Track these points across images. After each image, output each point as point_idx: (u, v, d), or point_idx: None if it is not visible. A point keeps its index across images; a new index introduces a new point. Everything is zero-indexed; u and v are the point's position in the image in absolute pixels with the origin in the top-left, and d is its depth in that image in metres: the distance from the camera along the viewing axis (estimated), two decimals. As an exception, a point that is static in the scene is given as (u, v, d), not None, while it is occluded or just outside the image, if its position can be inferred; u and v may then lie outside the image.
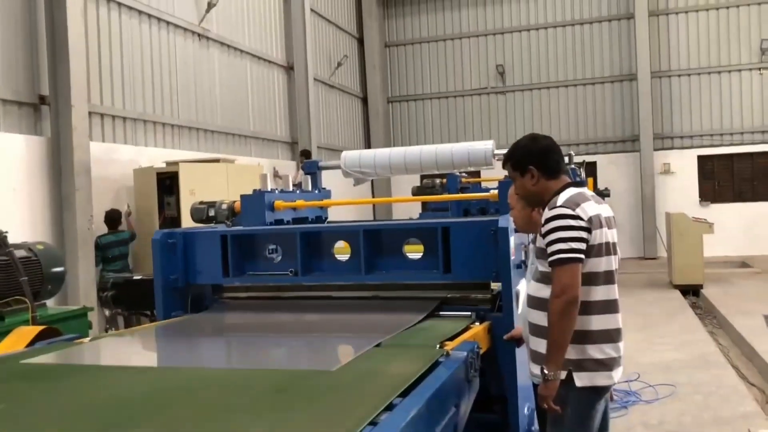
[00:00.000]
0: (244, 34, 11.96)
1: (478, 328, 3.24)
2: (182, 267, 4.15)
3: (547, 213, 2.76)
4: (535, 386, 3.35)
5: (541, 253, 2.81)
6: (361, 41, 17.66)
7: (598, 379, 2.70)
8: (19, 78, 7.35)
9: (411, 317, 3.37)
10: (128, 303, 5.68)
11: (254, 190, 5.10)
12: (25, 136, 7.32)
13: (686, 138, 16.45)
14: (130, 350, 3.32)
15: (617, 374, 2.76)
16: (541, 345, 2.76)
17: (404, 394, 2.00)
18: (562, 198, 2.77)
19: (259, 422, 1.88)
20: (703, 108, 16.35)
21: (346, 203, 5.81)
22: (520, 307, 3.49)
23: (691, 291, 11.11)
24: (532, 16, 17.30)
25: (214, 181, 8.32)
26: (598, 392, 2.74)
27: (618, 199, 14.68)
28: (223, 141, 11.15)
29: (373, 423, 1.75)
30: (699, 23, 16.30)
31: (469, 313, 3.57)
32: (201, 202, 5.22)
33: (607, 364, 2.71)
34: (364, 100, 17.82)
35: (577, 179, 9.17)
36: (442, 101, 18.03)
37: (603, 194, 12.50)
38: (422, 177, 13.02)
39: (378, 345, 2.79)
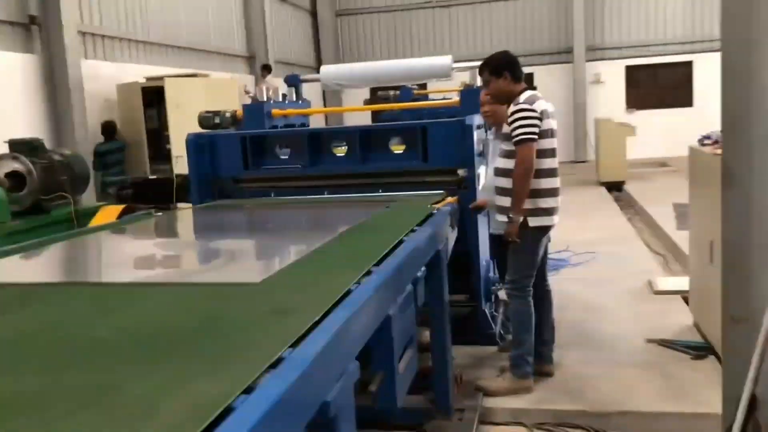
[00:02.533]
0: (202, -48, 12.39)
1: (452, 198, 4.41)
2: (210, 163, 5.15)
3: (513, 108, 3.85)
4: (494, 237, 4.60)
5: (507, 137, 3.94)
6: (308, -44, 18.02)
7: (545, 220, 3.94)
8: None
9: (404, 195, 4.50)
10: (147, 198, 6.59)
11: (252, 101, 6.07)
12: (21, 54, 7.94)
13: (615, 49, 17.76)
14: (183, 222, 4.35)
15: (556, 219, 4.00)
16: (506, 201, 3.94)
17: (413, 231, 3.14)
18: (522, 97, 3.88)
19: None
20: (632, 21, 17.60)
21: (327, 111, 6.86)
22: (482, 183, 4.68)
23: (615, 187, 12.63)
24: (474, -70, 17.94)
25: (194, 95, 9.10)
26: (543, 231, 3.99)
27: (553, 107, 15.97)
28: (189, 57, 11.78)
29: (400, 242, 2.86)
30: (629, -62, 17.32)
31: (442, 191, 4.72)
32: (207, 111, 6.15)
33: (550, 212, 3.94)
34: (314, 14, 18.34)
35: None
36: (389, 15, 18.71)
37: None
38: (373, 90, 13.88)
39: (387, 207, 3.93)
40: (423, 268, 2.93)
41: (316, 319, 1.76)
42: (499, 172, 4.04)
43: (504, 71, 3.97)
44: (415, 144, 4.81)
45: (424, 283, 2.99)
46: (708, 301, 4.20)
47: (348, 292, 2.05)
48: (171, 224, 4.02)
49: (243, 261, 3.01)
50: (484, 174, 4.80)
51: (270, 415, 1.28)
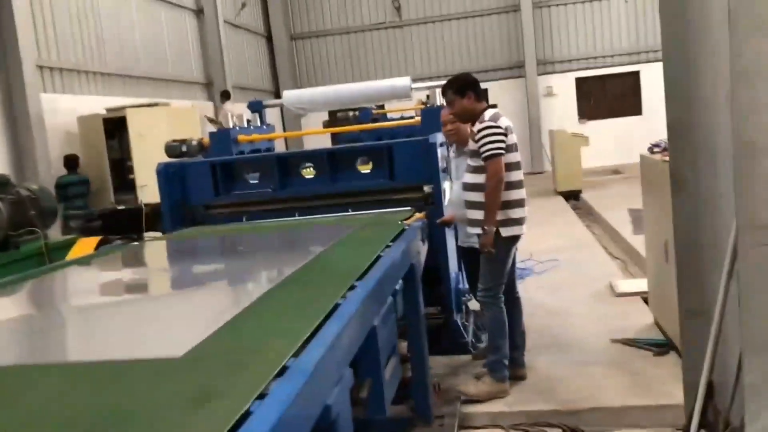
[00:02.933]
0: (156, -19, 12.46)
1: (420, 214, 4.59)
2: (181, 191, 5.24)
3: (479, 126, 4.08)
4: (464, 250, 4.79)
5: (474, 154, 4.15)
6: (261, -19, 18.20)
7: (515, 230, 4.15)
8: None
9: (373, 213, 4.67)
10: (115, 229, 6.62)
11: (218, 129, 6.18)
12: (-21, 92, 7.92)
13: (565, 62, 18.33)
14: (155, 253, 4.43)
15: (525, 228, 4.23)
16: (477, 214, 4.14)
17: (388, 246, 3.30)
18: (487, 115, 4.11)
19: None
20: (579, 34, 18.20)
21: (291, 135, 7.00)
22: (447, 198, 4.87)
23: (573, 196, 13.02)
24: (423, -48, 18.38)
25: (156, 124, 9.15)
26: (514, 240, 4.20)
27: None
28: (147, 86, 11.80)
29: (378, 257, 3.02)
30: (573, -45, 17.97)
31: (409, 207, 4.89)
32: (174, 140, 6.23)
33: (520, 221, 4.17)
34: (269, 39, 18.49)
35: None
36: (343, 37, 18.98)
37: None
38: (332, 111, 14.05)
39: (362, 228, 4.09)
40: (400, 282, 3.10)
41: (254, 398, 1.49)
42: (468, 187, 4.25)
43: (467, 91, 4.19)
44: (382, 163, 4.98)
45: (402, 296, 3.16)
46: (666, 300, 4.45)
47: (336, 306, 2.20)
48: (122, 261, 3.95)
49: (178, 317, 2.49)
50: (448, 189, 5.00)
51: (283, 418, 1.42)
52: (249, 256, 3.88)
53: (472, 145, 4.18)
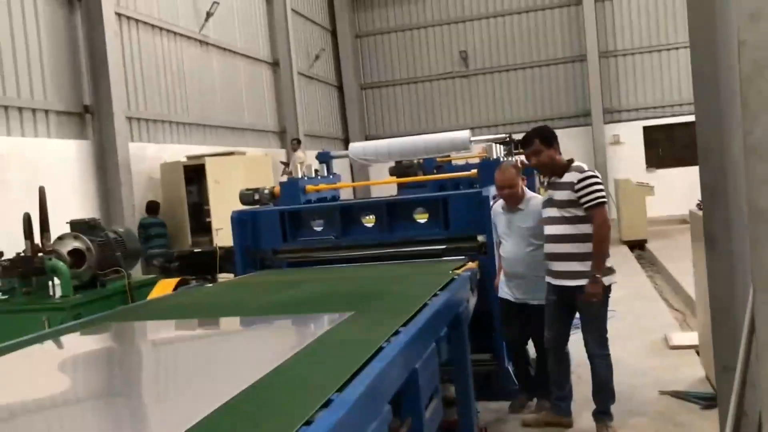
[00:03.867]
0: (235, 37, 13.33)
1: (472, 263, 4.84)
2: (252, 236, 5.67)
3: (581, 175, 4.20)
4: (516, 306, 4.82)
5: (566, 204, 4.23)
6: (334, 33, 19.06)
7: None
8: (66, 92, 8.69)
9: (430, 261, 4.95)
10: (192, 270, 7.13)
11: (288, 179, 6.63)
12: (75, 141, 8.70)
13: (632, 111, 18.30)
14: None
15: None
16: (573, 266, 4.23)
17: (435, 295, 3.57)
18: (583, 167, 4.29)
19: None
20: (646, 83, 18.19)
21: (355, 185, 7.40)
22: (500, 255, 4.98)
23: (638, 245, 12.93)
24: (491, 4, 18.88)
25: (232, 171, 9.77)
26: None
27: (574, 169, 16.46)
28: (224, 134, 12.56)
29: (424, 305, 3.29)
30: (640, 6, 18.08)
31: (463, 256, 5.15)
32: (247, 189, 6.72)
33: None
34: (340, 89, 19.26)
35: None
36: (411, 86, 19.57)
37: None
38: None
39: (414, 278, 4.38)
40: (445, 328, 3.36)
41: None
42: (559, 239, 4.31)
43: (554, 142, 4.37)
44: (437, 213, 5.28)
45: (447, 342, 3.41)
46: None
47: (380, 348, 2.49)
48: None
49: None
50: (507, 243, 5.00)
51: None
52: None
53: (561, 195, 4.26)
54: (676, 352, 5.82)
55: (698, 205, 5.07)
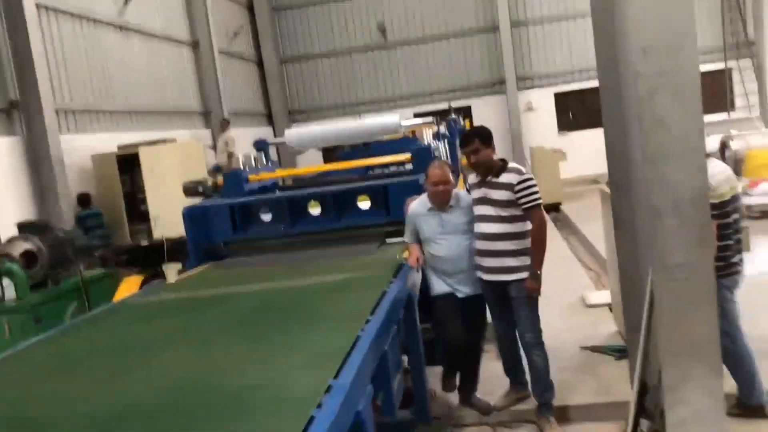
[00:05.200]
0: (155, 20, 13.22)
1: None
2: (204, 230, 5.98)
3: (519, 177, 4.33)
4: (457, 301, 4.69)
5: (505, 204, 4.34)
6: (251, 8, 18.97)
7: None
8: (-9, 88, 8.60)
9: (373, 244, 5.44)
10: (140, 263, 7.38)
11: (231, 171, 6.91)
12: (4, 138, 8.64)
13: (544, 78, 19.22)
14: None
15: None
16: (511, 261, 4.39)
17: (391, 281, 4.07)
18: (521, 168, 4.44)
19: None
20: (556, 50, 19.10)
21: (297, 172, 7.76)
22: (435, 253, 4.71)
23: (553, 208, 13.85)
24: (405, -24, 19.26)
25: (166, 159, 9.90)
26: None
27: (492, 136, 17.25)
28: (151, 119, 12.55)
29: (384, 293, 3.78)
30: (547, -24, 18.90)
31: (402, 239, 5.63)
32: (191, 181, 6.97)
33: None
34: (260, 64, 19.27)
35: (457, 126, 11.47)
36: (332, 59, 19.78)
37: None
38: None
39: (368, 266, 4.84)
40: (402, 311, 3.88)
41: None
42: (497, 237, 4.42)
43: (491, 141, 4.48)
44: (380, 201, 5.77)
45: (404, 323, 3.94)
46: (624, 312, 5.24)
47: (358, 338, 2.98)
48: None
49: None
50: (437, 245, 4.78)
51: (334, 422, 2.19)
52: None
53: (500, 195, 4.37)
54: (593, 310, 6.60)
55: (607, 183, 5.77)
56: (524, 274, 4.41)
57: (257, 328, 3.52)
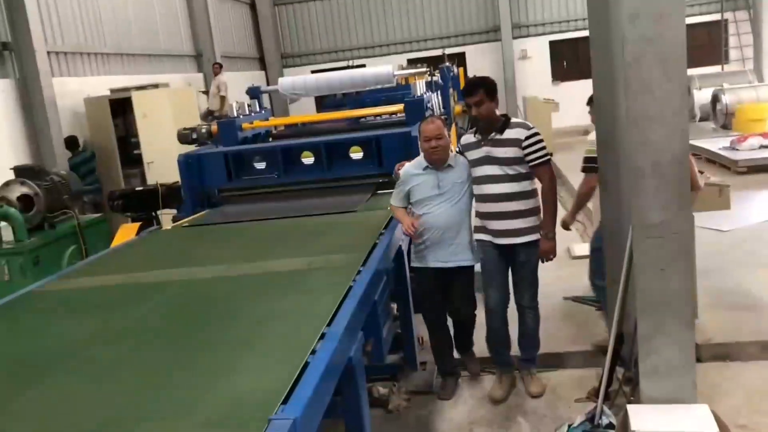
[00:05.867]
0: (145, -43, 12.97)
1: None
2: (198, 177, 6.08)
3: (527, 132, 4.10)
4: (444, 271, 4.46)
5: (514, 161, 4.08)
6: (243, -53, 18.57)
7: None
8: (-19, 29, 8.52)
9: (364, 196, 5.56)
10: (135, 208, 7.45)
11: (225, 119, 6.95)
12: (-2, 80, 8.62)
13: (539, 26, 19.05)
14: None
15: None
16: (522, 223, 4.15)
17: (381, 232, 4.21)
18: (527, 123, 4.24)
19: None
20: (552, -2, 18.93)
21: (289, 121, 7.81)
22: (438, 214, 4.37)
23: (544, 158, 13.93)
24: None
25: (159, 104, 9.89)
26: None
27: (485, 85, 17.21)
28: (142, 62, 12.45)
29: (375, 244, 3.93)
30: None
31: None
32: (185, 128, 7.02)
33: None
34: (253, 6, 18.96)
35: (451, 74, 11.46)
36: (325, 3, 19.49)
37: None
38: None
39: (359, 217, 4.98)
40: (392, 262, 4.04)
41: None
42: (506, 197, 4.15)
43: (496, 95, 4.19)
44: (371, 152, 5.87)
45: (393, 273, 4.10)
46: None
47: (350, 288, 3.13)
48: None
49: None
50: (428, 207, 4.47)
51: (327, 366, 2.35)
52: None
53: (506, 152, 4.10)
54: (577, 262, 6.79)
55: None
56: (533, 236, 4.21)
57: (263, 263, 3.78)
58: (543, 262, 4.33)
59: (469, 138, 4.37)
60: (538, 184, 4.29)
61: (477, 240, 4.39)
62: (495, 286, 4.39)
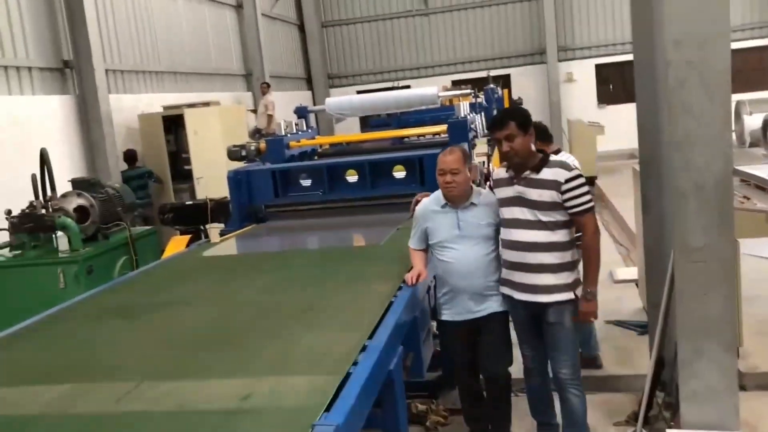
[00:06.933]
0: (200, -18, 13.43)
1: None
2: (247, 193, 6.26)
3: (567, 174, 3.48)
4: (461, 326, 3.88)
5: (550, 207, 3.50)
6: (294, -29, 19.03)
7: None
8: (46, 48, 8.93)
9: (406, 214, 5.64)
10: (185, 221, 7.69)
11: (273, 135, 7.15)
12: (58, 96, 9.00)
13: (585, 49, 19.00)
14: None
15: None
16: (551, 279, 3.56)
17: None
18: (567, 162, 3.66)
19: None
20: (599, 21, 18.84)
21: (335, 140, 7.97)
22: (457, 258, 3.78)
23: (588, 182, 13.83)
24: (448, -59, 19.08)
25: (209, 122, 10.20)
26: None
27: (529, 106, 17.07)
28: (194, 80, 12.83)
29: None
30: (594, -56, 18.56)
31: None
32: (234, 145, 7.23)
33: (581, 281, 3.72)
34: (301, 28, 19.38)
35: (495, 96, 11.51)
36: (372, 24, 19.81)
37: (517, 103, 15.00)
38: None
39: (398, 229, 5.07)
40: (433, 278, 4.10)
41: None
42: (540, 247, 3.57)
43: (530, 127, 3.61)
44: (414, 171, 5.97)
45: (434, 290, 4.17)
46: (649, 289, 5.39)
47: (391, 303, 3.21)
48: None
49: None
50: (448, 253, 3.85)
51: (368, 379, 2.43)
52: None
53: (541, 196, 3.53)
54: (620, 285, 6.74)
55: (640, 162, 5.87)
56: (563, 296, 3.60)
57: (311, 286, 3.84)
58: (578, 323, 3.76)
59: (500, 173, 3.80)
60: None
61: (502, 293, 3.80)
62: (526, 344, 3.88)
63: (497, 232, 3.78)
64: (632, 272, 6.88)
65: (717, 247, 3.19)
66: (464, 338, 3.88)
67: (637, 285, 6.48)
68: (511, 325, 3.97)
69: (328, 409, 2.16)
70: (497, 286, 3.79)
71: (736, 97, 16.33)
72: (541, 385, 3.95)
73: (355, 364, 2.52)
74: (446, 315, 3.89)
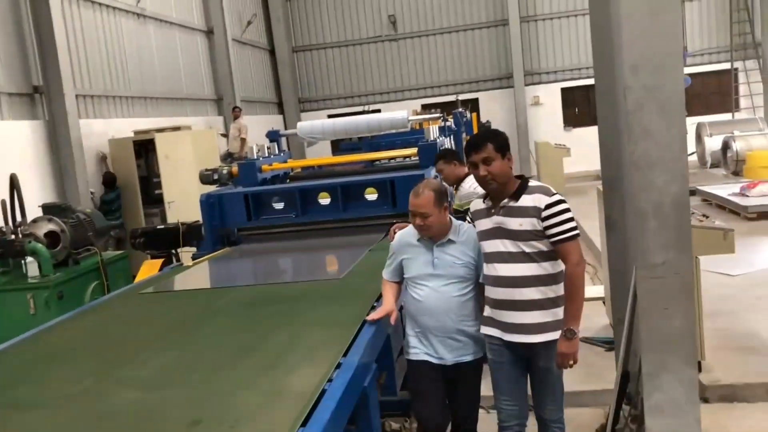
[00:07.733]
0: (171, 7, 13.49)
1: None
2: (219, 216, 6.30)
3: (548, 199, 3.23)
4: (443, 369, 3.55)
5: (532, 236, 3.21)
6: (264, -3, 19.23)
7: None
8: (16, 73, 8.91)
9: (378, 235, 5.75)
10: (156, 246, 7.67)
11: (246, 159, 7.21)
12: (28, 122, 8.96)
13: (551, 73, 19.44)
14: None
15: None
16: (535, 317, 3.26)
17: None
18: (549, 188, 3.34)
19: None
20: (564, 46, 19.32)
21: (308, 163, 8.04)
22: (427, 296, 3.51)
23: (556, 203, 14.09)
24: (417, -31, 19.47)
25: (180, 146, 10.22)
26: None
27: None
28: (164, 105, 12.86)
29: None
30: (558, -28, 19.09)
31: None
32: (207, 169, 7.28)
33: None
34: (272, 52, 19.52)
35: (464, 119, 11.74)
36: (342, 49, 20.04)
37: (485, 126, 15.28)
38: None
39: (369, 250, 5.16)
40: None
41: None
42: (518, 282, 3.28)
43: (508, 150, 3.37)
44: (386, 193, 6.07)
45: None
46: (615, 306, 5.54)
47: (364, 322, 3.29)
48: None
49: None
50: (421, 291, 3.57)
51: (342, 397, 2.49)
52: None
53: (522, 224, 3.25)
54: (588, 303, 6.80)
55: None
56: (556, 335, 3.27)
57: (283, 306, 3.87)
58: (558, 369, 3.37)
59: (478, 204, 3.52)
60: None
61: (485, 335, 3.48)
62: (508, 395, 3.52)
63: (477, 273, 3.50)
64: (599, 290, 7.04)
65: (676, 263, 3.33)
66: (432, 381, 3.55)
67: (604, 303, 6.63)
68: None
69: (304, 425, 2.22)
70: (473, 333, 3.50)
71: (696, 120, 16.92)
72: None
73: (330, 381, 2.58)
74: (413, 355, 3.58)
